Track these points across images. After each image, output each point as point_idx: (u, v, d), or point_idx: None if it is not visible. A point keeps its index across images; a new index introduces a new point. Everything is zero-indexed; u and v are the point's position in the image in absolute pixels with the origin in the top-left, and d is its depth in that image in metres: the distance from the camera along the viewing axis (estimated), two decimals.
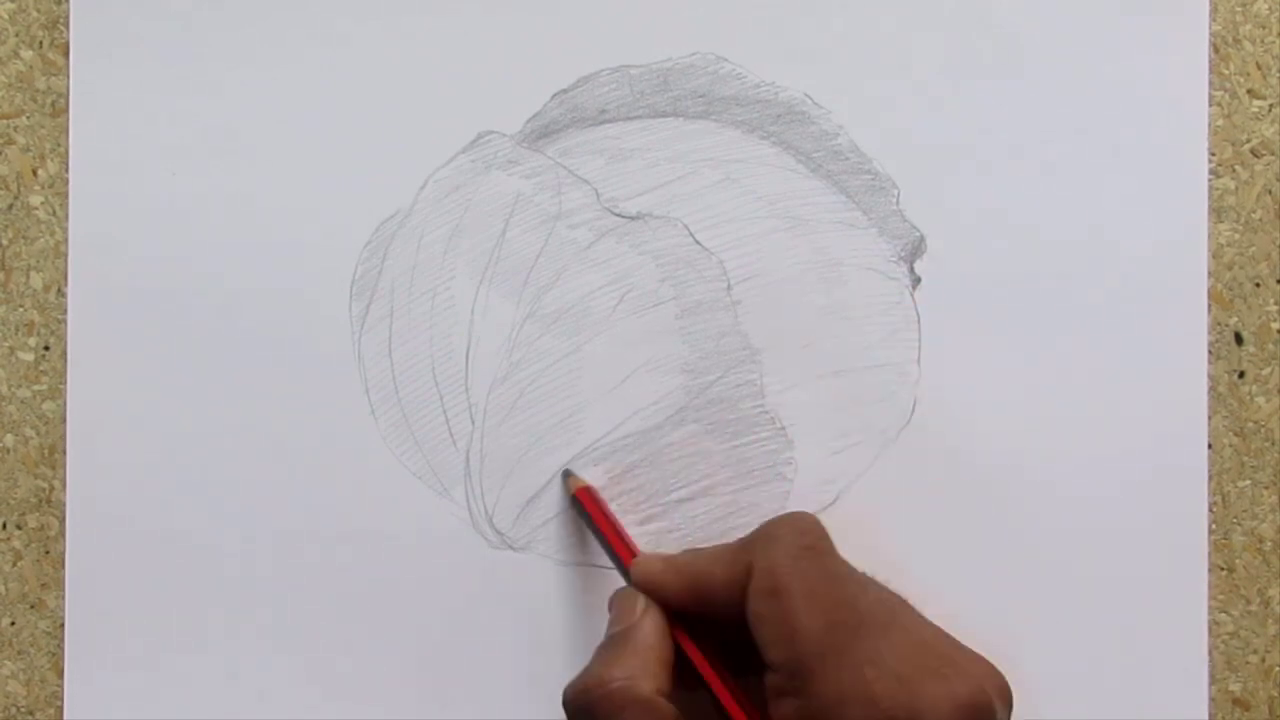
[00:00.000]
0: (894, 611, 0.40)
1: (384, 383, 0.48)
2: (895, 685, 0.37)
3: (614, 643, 0.42)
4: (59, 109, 0.48)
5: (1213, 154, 0.48)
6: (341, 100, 0.48)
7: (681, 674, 0.41)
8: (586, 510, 0.46)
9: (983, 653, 0.40)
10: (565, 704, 0.41)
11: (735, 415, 0.47)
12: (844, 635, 0.38)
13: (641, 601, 0.42)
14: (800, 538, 0.40)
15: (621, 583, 0.44)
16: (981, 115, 0.48)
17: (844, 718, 0.37)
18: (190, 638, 0.47)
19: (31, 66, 0.48)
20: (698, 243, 0.48)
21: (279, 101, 0.48)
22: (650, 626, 0.42)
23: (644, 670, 0.40)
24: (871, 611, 0.40)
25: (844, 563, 0.41)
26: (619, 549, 0.44)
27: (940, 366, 0.48)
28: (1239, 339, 0.48)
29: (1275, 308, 0.48)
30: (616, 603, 0.43)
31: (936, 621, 0.41)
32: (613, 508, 0.47)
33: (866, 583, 0.40)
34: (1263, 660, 0.48)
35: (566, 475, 0.47)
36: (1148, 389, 0.48)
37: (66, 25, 0.48)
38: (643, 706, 0.39)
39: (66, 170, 0.48)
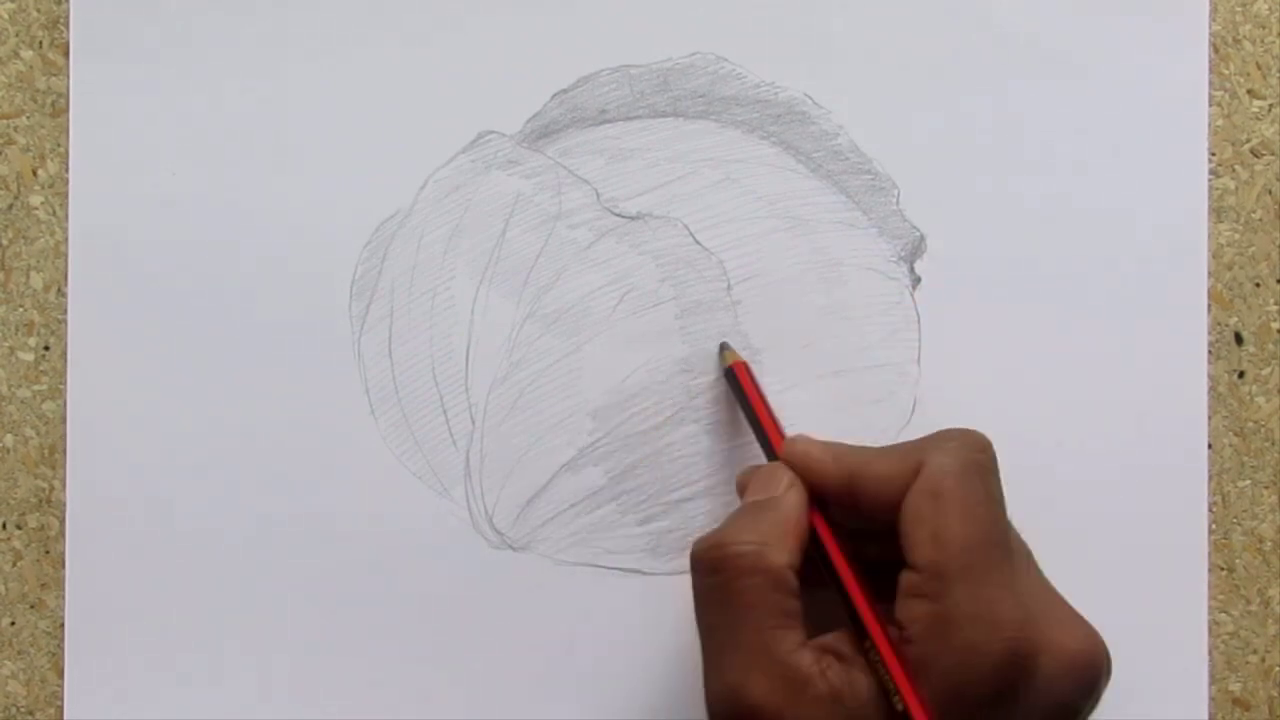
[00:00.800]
0: (1028, 553, 0.41)
1: (384, 383, 0.48)
2: (1024, 617, 0.38)
3: (754, 509, 0.41)
4: (59, 109, 0.48)
5: (1213, 154, 0.48)
6: (341, 100, 0.48)
7: (810, 564, 0.41)
8: (741, 385, 0.45)
9: None
10: (693, 558, 0.40)
11: (735, 415, 0.47)
12: (991, 556, 0.39)
13: (788, 477, 0.42)
14: (974, 453, 0.40)
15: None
16: (981, 115, 0.48)
17: (972, 632, 0.37)
18: (190, 638, 0.47)
19: (31, 66, 0.48)
20: (698, 243, 0.48)
21: (279, 101, 0.48)
22: (794, 501, 0.41)
23: (779, 541, 0.40)
24: (1015, 545, 0.40)
25: (1001, 491, 0.41)
26: (769, 426, 0.44)
27: (940, 366, 0.48)
28: (1239, 339, 0.48)
29: (1275, 308, 0.48)
30: (760, 474, 0.43)
31: None
32: (614, 507, 0.47)
33: (1010, 523, 0.41)
34: (1263, 660, 0.48)
35: (724, 347, 0.47)
36: (1148, 389, 0.48)
37: (66, 25, 0.48)
38: (772, 574, 0.39)
39: (66, 170, 0.48)
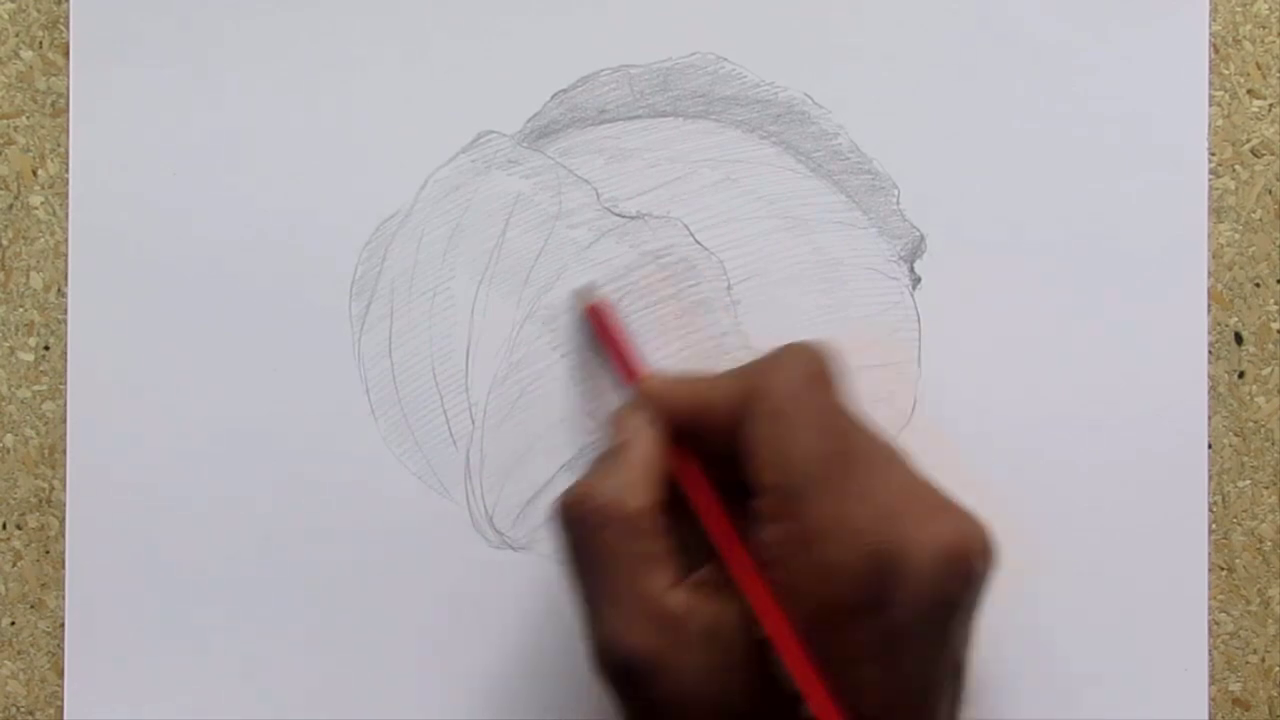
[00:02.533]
0: (889, 453, 0.40)
1: (384, 383, 0.48)
2: (881, 522, 0.37)
3: (609, 456, 0.41)
4: (59, 109, 0.48)
5: (1213, 154, 0.48)
6: (341, 100, 0.48)
7: (675, 500, 0.41)
8: (596, 328, 0.45)
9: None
10: (554, 515, 0.40)
11: None
12: (839, 466, 0.38)
13: (640, 416, 0.42)
14: (807, 365, 0.40)
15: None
16: (981, 115, 0.48)
17: (827, 546, 0.37)
18: (190, 638, 0.47)
19: (31, 66, 0.48)
20: (698, 243, 0.48)
21: (279, 101, 0.48)
22: (646, 442, 0.41)
23: (634, 485, 0.40)
24: (868, 448, 0.39)
25: (846, 397, 0.40)
26: (623, 367, 0.44)
27: (940, 366, 0.48)
28: (1239, 339, 0.48)
29: (1275, 308, 0.48)
30: (615, 418, 0.42)
31: None
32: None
33: (865, 422, 0.40)
34: (1263, 660, 0.48)
35: (578, 293, 0.46)
36: (1148, 389, 0.48)
37: (66, 25, 0.48)
38: (630, 521, 0.39)
39: (66, 170, 0.48)
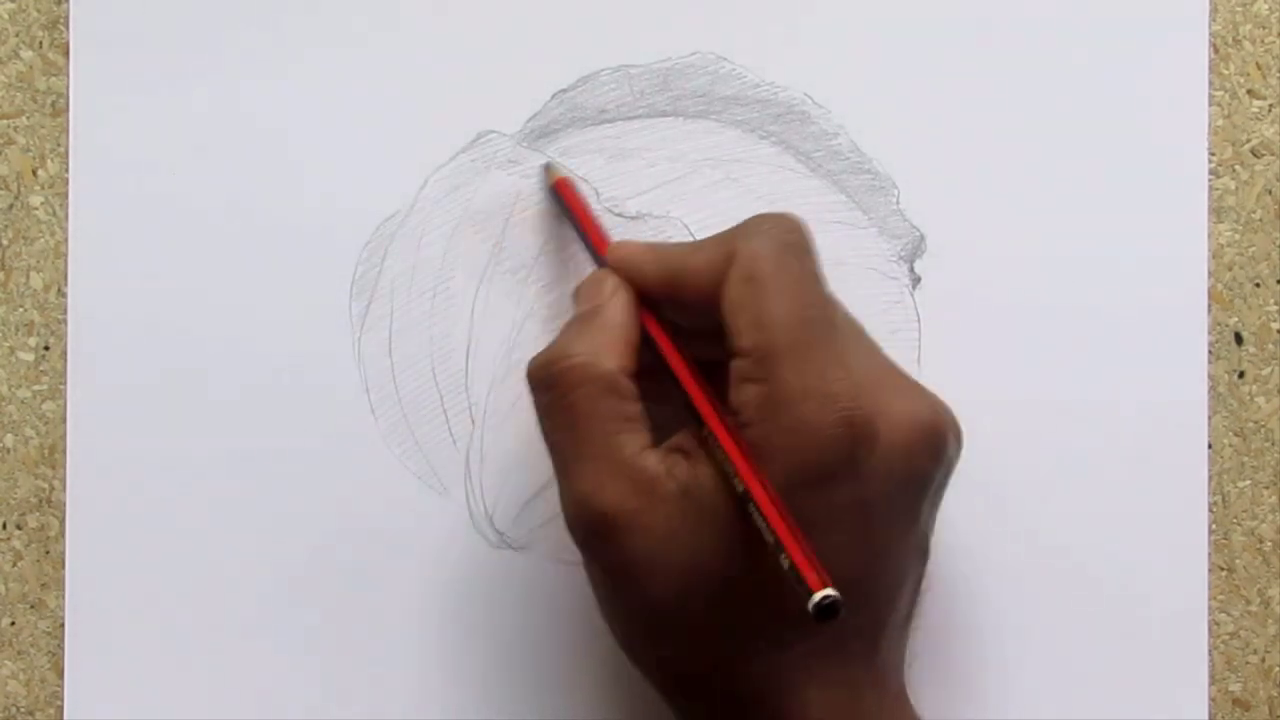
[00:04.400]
0: (860, 330, 0.41)
1: (384, 383, 0.48)
2: (857, 390, 0.38)
3: (581, 320, 0.41)
4: (59, 109, 0.48)
5: (1213, 154, 0.48)
6: (341, 100, 0.48)
7: (651, 375, 0.41)
8: (564, 200, 0.46)
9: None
10: (529, 377, 0.41)
11: None
12: (816, 332, 0.38)
13: (612, 282, 0.42)
14: (785, 234, 0.40)
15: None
16: (981, 115, 0.48)
17: (803, 409, 0.37)
18: (190, 638, 0.47)
19: (31, 66, 0.48)
20: None
21: (279, 101, 0.48)
22: (619, 306, 0.41)
23: (609, 347, 0.40)
24: (843, 321, 0.40)
25: (821, 270, 0.40)
26: (594, 237, 0.44)
27: (940, 366, 0.48)
28: (1239, 339, 0.48)
29: (1275, 308, 0.48)
30: (586, 285, 0.43)
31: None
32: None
33: (835, 299, 0.41)
34: (1263, 660, 0.48)
35: (546, 167, 0.47)
36: (1148, 389, 0.48)
37: (66, 25, 0.48)
38: (604, 381, 0.39)
39: (66, 170, 0.48)
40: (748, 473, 0.37)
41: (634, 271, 0.42)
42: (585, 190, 0.46)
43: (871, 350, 0.41)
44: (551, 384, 0.40)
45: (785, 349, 0.38)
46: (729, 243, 0.40)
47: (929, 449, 0.39)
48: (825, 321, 0.39)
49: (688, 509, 0.38)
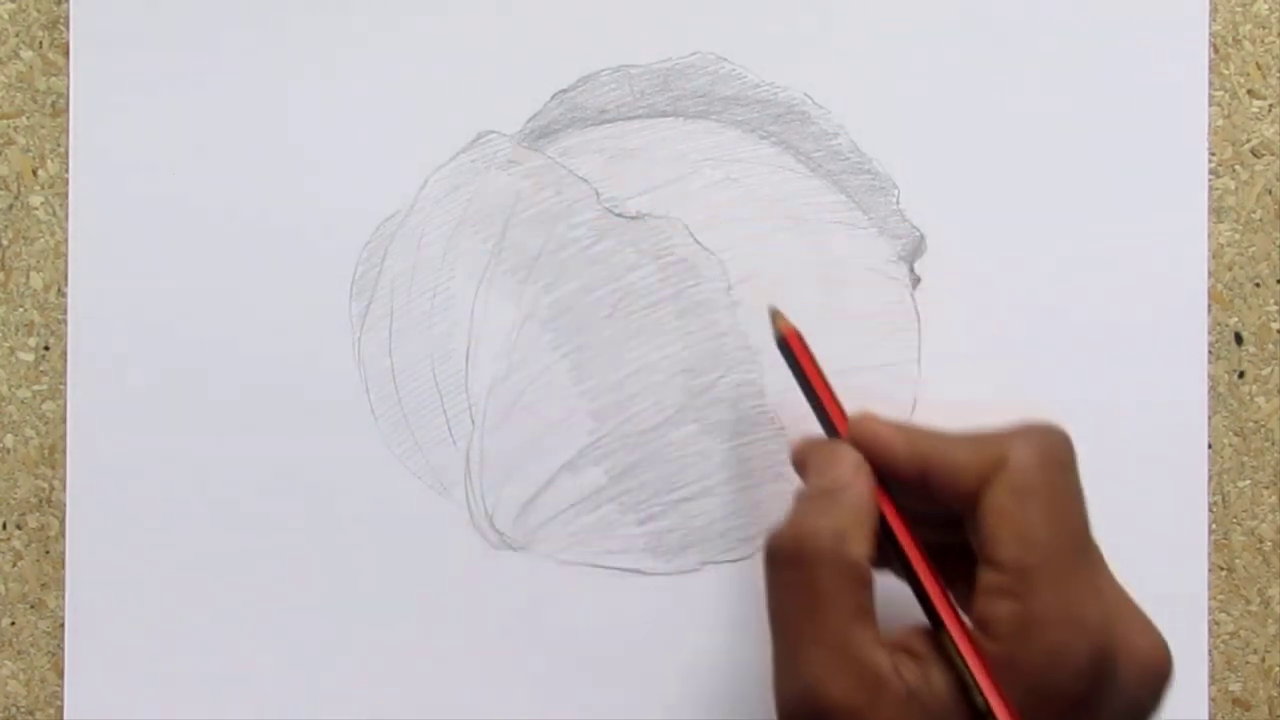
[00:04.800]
0: (1101, 554, 0.40)
1: (384, 383, 0.48)
2: (1106, 619, 0.37)
3: (825, 495, 0.39)
4: (59, 109, 0.48)
5: (1213, 154, 0.48)
6: (341, 100, 0.48)
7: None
8: (796, 355, 0.43)
9: None
10: (770, 550, 0.39)
11: (735, 415, 0.47)
12: (1075, 556, 0.38)
13: (854, 459, 0.40)
14: (1056, 448, 0.39)
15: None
16: (981, 115, 0.48)
17: (1059, 633, 0.37)
18: (190, 638, 0.47)
19: (31, 66, 0.48)
20: (698, 243, 0.48)
21: (279, 101, 0.48)
22: (865, 487, 0.40)
23: (855, 530, 0.38)
24: (1094, 547, 0.39)
25: (1081, 489, 0.40)
26: (830, 401, 0.42)
27: (940, 366, 0.48)
28: (1239, 339, 0.48)
29: (1275, 308, 0.48)
30: (824, 454, 0.41)
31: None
32: (615, 507, 0.47)
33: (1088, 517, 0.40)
34: (1263, 660, 0.48)
35: (774, 314, 0.44)
36: (1148, 389, 0.48)
37: (66, 25, 0.48)
38: (851, 567, 0.38)
39: (66, 170, 0.48)
40: (994, 693, 0.37)
41: (883, 452, 0.40)
42: (813, 348, 0.44)
43: (1112, 576, 0.40)
44: (796, 561, 0.38)
45: (1046, 570, 0.37)
46: (999, 445, 0.39)
47: (1156, 687, 0.39)
48: (1086, 546, 0.39)
49: (913, 712, 0.37)
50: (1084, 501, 0.39)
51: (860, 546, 0.38)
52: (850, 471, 0.40)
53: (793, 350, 0.43)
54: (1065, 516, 0.38)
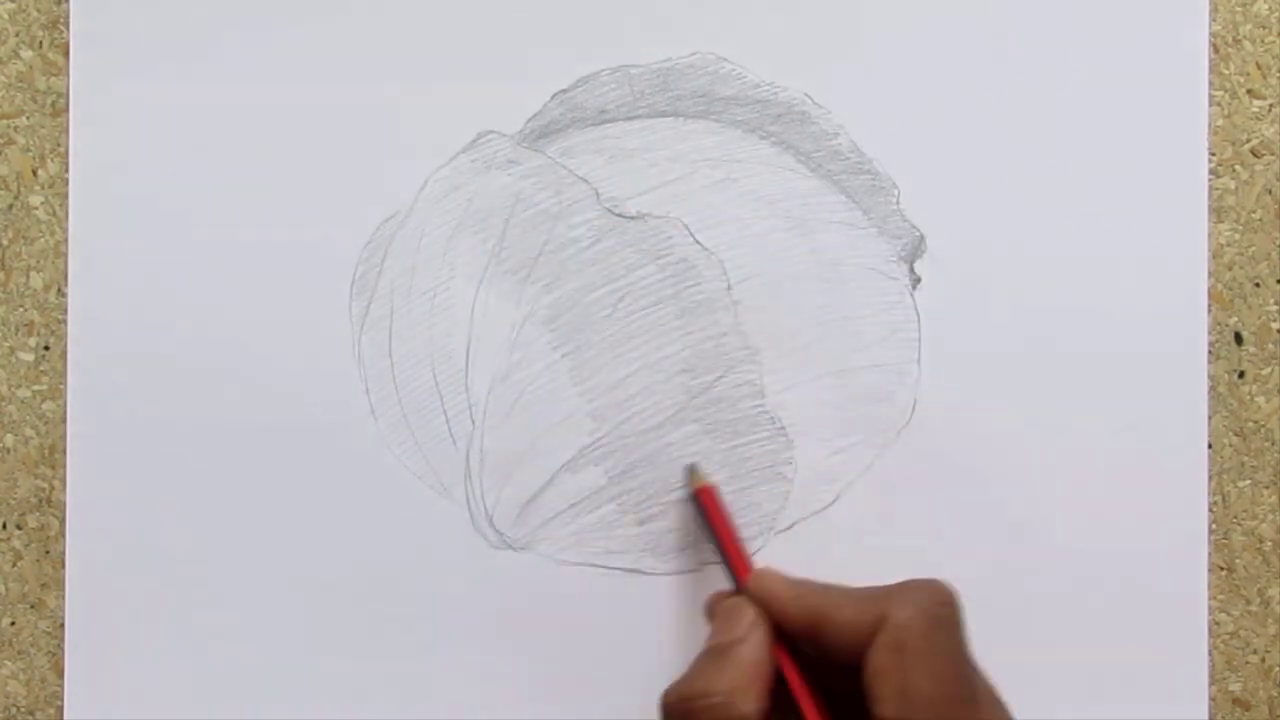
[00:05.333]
0: (995, 703, 0.41)
1: (384, 383, 0.48)
2: None
3: (719, 653, 0.41)
4: (59, 109, 0.48)
5: (1213, 154, 0.48)
6: (342, 100, 0.48)
7: (775, 699, 0.41)
8: (706, 510, 0.45)
9: (983, 652, 0.40)
10: (663, 710, 0.40)
11: (735, 415, 0.47)
12: (956, 711, 0.39)
13: (751, 615, 0.42)
14: (939, 607, 0.40)
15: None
16: (982, 115, 0.48)
17: None
18: (190, 638, 0.47)
19: (31, 66, 0.48)
20: (698, 243, 0.48)
21: (279, 101, 0.48)
22: (757, 643, 0.41)
23: (746, 688, 0.40)
24: (985, 697, 0.40)
25: (968, 642, 0.41)
26: (736, 557, 0.44)
27: (940, 366, 0.48)
28: (1239, 339, 0.48)
29: (1275, 308, 0.48)
30: (723, 611, 0.43)
31: None
32: (615, 507, 0.47)
33: (979, 673, 0.41)
34: (1263, 660, 0.48)
35: (691, 469, 0.47)
36: (1148, 389, 0.48)
37: (66, 25, 0.48)
38: None
39: (66, 170, 0.48)
40: None
41: (775, 609, 0.42)
42: (727, 501, 0.46)
43: (1006, 716, 0.41)
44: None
45: None
46: (880, 603, 0.40)
47: None
48: (968, 700, 0.39)
49: None
50: (967, 654, 0.40)
51: (750, 703, 0.40)
52: (745, 628, 0.41)
53: (704, 505, 0.45)
54: (945, 675, 0.39)
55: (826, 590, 0.42)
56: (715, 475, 0.47)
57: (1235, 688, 0.48)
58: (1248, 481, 0.48)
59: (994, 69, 0.48)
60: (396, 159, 0.48)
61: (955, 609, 0.41)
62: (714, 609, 0.43)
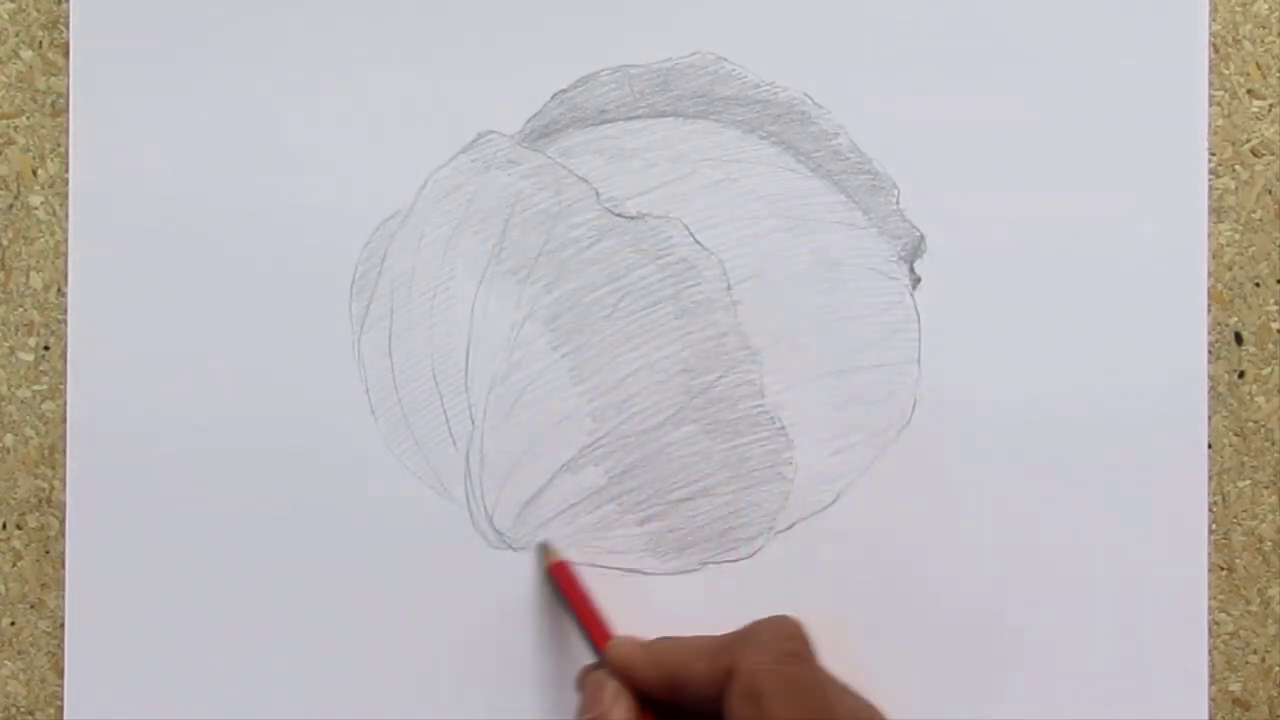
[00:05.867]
0: (872, 714, 0.41)
1: (384, 383, 0.48)
2: None
3: None
4: (59, 109, 0.48)
5: (1213, 154, 0.48)
6: (341, 100, 0.48)
7: None
8: (561, 586, 0.46)
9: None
10: None
11: (735, 415, 0.47)
12: None
13: (613, 688, 0.42)
14: (784, 643, 0.41)
15: (587, 660, 0.44)
16: (981, 115, 0.48)
17: None
18: (190, 638, 0.47)
19: (31, 66, 0.48)
20: (698, 243, 0.48)
21: (279, 101, 0.48)
22: (620, 714, 0.42)
23: None
24: (851, 713, 0.40)
25: (824, 671, 0.41)
26: (593, 629, 0.45)
27: (940, 366, 0.48)
28: (1239, 339, 0.48)
29: (1275, 308, 0.48)
30: (588, 686, 0.43)
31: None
32: (615, 507, 0.47)
33: (844, 692, 0.41)
34: (1263, 660, 0.48)
35: (543, 547, 0.47)
36: (1148, 389, 0.48)
37: (66, 25, 0.48)
38: None
39: (66, 170, 0.48)
40: None
41: (634, 676, 0.42)
42: (581, 574, 0.47)
43: None
44: None
45: None
46: (727, 653, 0.40)
47: None
48: None
49: None
50: (823, 687, 0.40)
51: None
52: (608, 700, 0.42)
53: (559, 581, 0.46)
54: (801, 710, 0.39)
55: (677, 648, 0.42)
56: (566, 551, 0.47)
57: (1235, 688, 0.48)
58: (1248, 481, 0.48)
59: (994, 69, 0.48)
60: (396, 159, 0.48)
61: (803, 642, 0.41)
62: (581, 685, 0.44)
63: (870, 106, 0.48)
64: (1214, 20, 0.48)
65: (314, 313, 0.48)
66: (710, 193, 0.48)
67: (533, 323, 0.48)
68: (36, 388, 0.48)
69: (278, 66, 0.48)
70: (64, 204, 0.48)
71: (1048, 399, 0.48)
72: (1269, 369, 0.48)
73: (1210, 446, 0.48)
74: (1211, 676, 0.48)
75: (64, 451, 0.48)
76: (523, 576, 0.48)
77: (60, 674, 0.48)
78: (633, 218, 0.48)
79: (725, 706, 0.40)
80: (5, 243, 0.48)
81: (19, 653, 0.48)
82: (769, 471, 0.48)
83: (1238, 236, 0.48)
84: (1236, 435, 0.48)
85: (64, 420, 0.48)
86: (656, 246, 0.48)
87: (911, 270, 0.48)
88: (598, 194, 0.48)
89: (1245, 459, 0.48)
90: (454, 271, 0.48)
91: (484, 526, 0.48)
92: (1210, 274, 0.48)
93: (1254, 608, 0.48)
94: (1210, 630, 0.48)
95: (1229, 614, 0.48)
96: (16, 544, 0.48)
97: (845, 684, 0.41)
